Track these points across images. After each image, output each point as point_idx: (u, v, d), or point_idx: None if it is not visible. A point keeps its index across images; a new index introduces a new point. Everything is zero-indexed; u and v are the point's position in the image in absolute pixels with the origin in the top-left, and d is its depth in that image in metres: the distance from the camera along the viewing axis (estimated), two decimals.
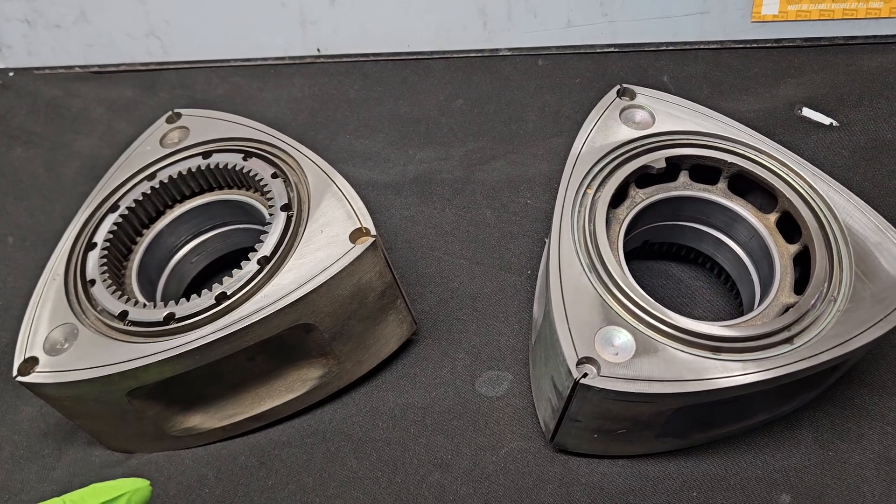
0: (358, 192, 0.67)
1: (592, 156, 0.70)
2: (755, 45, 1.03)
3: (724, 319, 0.77)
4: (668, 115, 0.73)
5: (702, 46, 1.04)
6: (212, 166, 0.73)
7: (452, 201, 0.89)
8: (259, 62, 1.11)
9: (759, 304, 0.66)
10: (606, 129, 0.72)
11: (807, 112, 0.95)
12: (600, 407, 0.59)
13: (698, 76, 1.01)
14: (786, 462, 0.67)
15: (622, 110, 0.74)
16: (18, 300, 0.84)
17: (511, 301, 0.79)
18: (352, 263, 0.62)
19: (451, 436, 0.71)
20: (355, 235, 0.63)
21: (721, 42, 1.04)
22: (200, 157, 0.74)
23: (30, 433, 0.76)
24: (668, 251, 0.81)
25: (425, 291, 0.81)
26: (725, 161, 0.71)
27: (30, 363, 0.63)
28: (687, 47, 1.04)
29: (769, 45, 1.03)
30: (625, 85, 0.75)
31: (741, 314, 0.76)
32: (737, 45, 1.04)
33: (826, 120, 0.94)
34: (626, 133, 0.72)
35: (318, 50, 1.10)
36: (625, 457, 0.69)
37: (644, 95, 0.75)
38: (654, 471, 0.67)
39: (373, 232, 0.63)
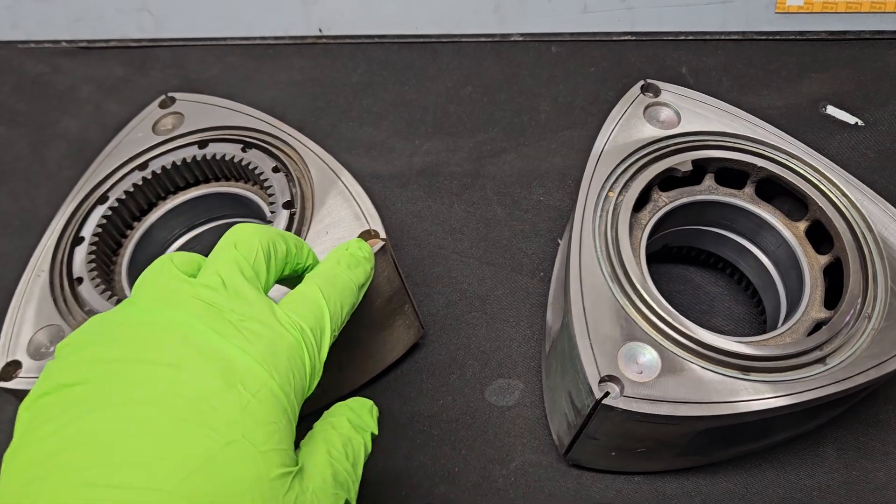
0: (361, 185, 0.63)
1: (615, 155, 0.66)
2: (779, 38, 0.99)
3: (745, 328, 0.74)
4: (694, 113, 0.69)
5: (723, 37, 1.00)
6: (208, 157, 0.69)
7: (461, 196, 0.85)
8: (257, 41, 1.05)
9: (787, 319, 0.63)
10: (630, 127, 0.68)
11: (831, 111, 0.91)
12: (621, 427, 0.56)
13: (718, 68, 0.97)
14: (809, 481, 0.65)
15: (646, 107, 0.69)
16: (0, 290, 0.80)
17: (523, 304, 0.76)
18: None
19: (459, 447, 0.68)
20: (363, 238, 0.59)
21: (743, 33, 0.99)
22: (196, 146, 0.70)
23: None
24: (688, 255, 0.77)
25: (432, 292, 0.77)
26: (754, 165, 0.67)
27: (12, 367, 0.58)
28: (707, 37, 1.00)
29: (793, 37, 0.99)
30: (649, 81, 0.71)
31: (763, 323, 0.73)
32: (759, 37, 0.99)
33: (851, 119, 0.90)
34: (651, 132, 0.68)
35: (320, 30, 1.04)
36: (641, 473, 0.66)
37: (669, 92, 0.71)
38: (671, 488, 0.65)
39: (382, 235, 0.59)
